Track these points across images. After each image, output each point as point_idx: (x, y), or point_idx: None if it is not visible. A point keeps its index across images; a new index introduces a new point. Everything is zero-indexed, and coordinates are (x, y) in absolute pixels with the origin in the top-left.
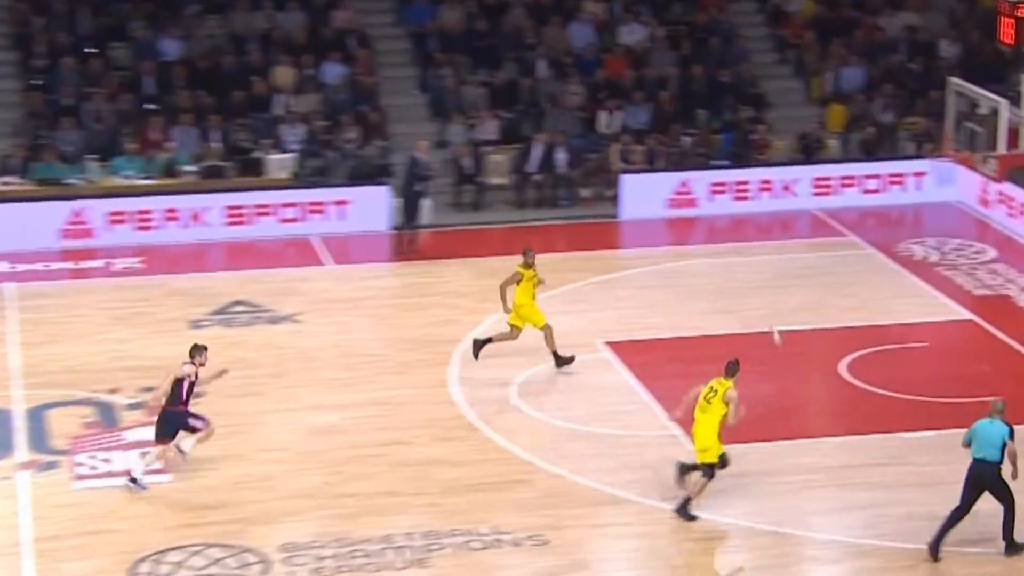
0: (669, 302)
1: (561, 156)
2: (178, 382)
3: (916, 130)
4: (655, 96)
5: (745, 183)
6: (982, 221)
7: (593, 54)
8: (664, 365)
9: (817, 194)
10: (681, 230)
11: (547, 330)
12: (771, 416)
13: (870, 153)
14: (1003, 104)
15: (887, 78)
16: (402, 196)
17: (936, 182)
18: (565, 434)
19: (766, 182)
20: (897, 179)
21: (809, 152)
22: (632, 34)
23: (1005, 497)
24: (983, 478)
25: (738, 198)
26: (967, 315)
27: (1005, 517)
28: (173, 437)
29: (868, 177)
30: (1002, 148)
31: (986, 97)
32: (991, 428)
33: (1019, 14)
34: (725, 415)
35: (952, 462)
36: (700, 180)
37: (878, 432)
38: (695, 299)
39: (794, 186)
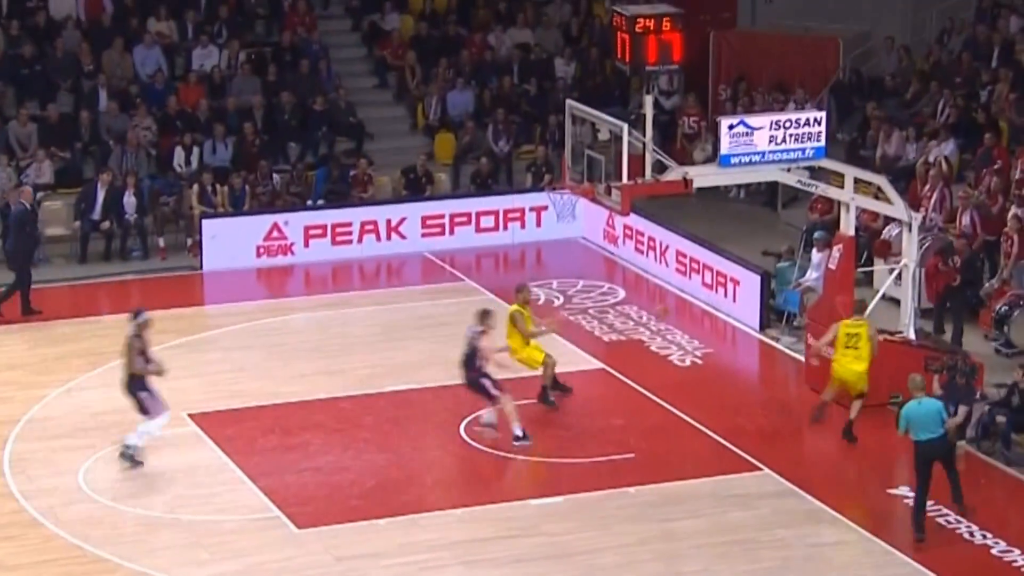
0: (264, 364)
1: (130, 200)
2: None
3: (534, 159)
4: (238, 129)
5: (347, 225)
6: (609, 259)
7: (163, 82)
8: (259, 437)
9: (427, 235)
10: (275, 281)
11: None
12: (384, 488)
13: (484, 187)
14: (625, 129)
15: (499, 102)
16: (9, 253)
17: (557, 217)
18: (148, 524)
19: (370, 223)
20: (515, 215)
21: (416, 188)
22: (207, 58)
23: (953, 466)
24: (934, 453)
25: (339, 242)
26: (597, 364)
27: (955, 480)
28: (484, 392)
29: (483, 214)
30: (626, 177)
31: (606, 121)
32: (924, 408)
33: (637, 29)
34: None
35: (585, 529)
36: (294, 223)
37: (505, 500)
38: (295, 359)
39: (401, 226)
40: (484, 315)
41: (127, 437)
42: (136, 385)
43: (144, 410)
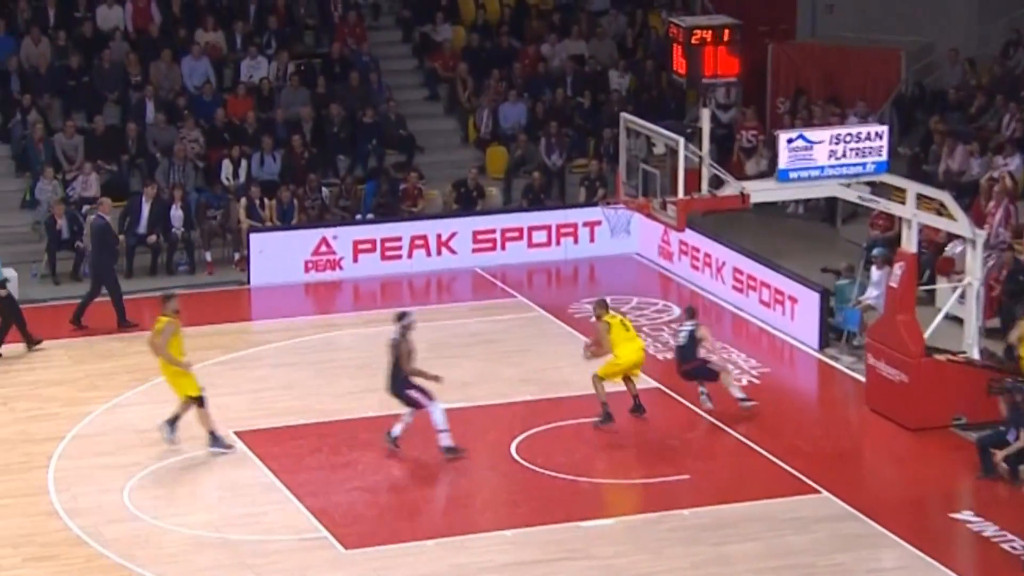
0: (312, 382)
1: (177, 213)
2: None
3: (587, 173)
4: (286, 141)
5: (396, 239)
6: (664, 275)
7: (211, 94)
8: (306, 456)
9: (478, 250)
10: (323, 296)
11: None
12: (432, 509)
13: (536, 201)
14: (681, 143)
15: (552, 115)
16: (93, 267)
17: (611, 233)
18: (194, 543)
19: (420, 238)
20: (568, 230)
21: (468, 202)
22: (256, 70)
23: None
24: None
25: (388, 257)
26: (651, 383)
27: None
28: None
29: (535, 229)
30: (682, 192)
31: (662, 135)
32: None
33: (694, 41)
34: None
35: (637, 552)
36: (343, 237)
37: (555, 522)
38: (342, 377)
39: (452, 241)
40: (692, 311)
41: (441, 439)
42: (403, 385)
43: (418, 406)
